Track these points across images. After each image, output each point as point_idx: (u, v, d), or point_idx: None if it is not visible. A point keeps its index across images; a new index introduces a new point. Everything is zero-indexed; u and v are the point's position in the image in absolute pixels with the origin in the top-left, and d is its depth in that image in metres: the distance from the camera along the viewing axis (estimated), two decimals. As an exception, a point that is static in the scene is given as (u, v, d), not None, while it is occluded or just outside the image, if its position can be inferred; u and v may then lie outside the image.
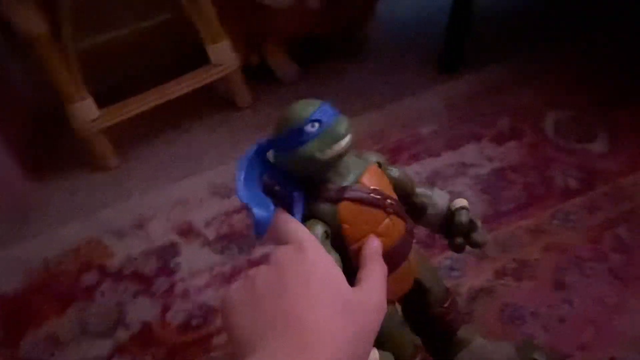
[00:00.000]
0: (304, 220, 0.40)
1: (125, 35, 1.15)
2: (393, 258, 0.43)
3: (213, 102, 1.13)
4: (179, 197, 0.93)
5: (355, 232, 0.42)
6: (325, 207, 0.41)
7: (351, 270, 0.39)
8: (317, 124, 0.39)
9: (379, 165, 0.46)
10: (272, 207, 0.39)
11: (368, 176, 0.43)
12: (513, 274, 0.71)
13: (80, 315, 0.79)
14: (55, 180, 1.05)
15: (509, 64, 1.07)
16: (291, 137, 0.39)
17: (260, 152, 0.42)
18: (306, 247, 0.36)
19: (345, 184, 0.42)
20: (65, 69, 0.94)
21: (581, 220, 0.76)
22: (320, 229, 0.41)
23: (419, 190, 0.50)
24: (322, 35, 1.19)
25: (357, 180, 0.42)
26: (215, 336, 0.72)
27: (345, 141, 0.39)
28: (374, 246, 0.41)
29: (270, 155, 0.43)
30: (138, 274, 0.82)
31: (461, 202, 0.50)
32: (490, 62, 1.08)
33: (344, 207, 0.41)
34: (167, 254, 0.84)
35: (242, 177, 0.40)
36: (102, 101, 1.00)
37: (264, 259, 0.37)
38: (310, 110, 0.39)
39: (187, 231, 0.87)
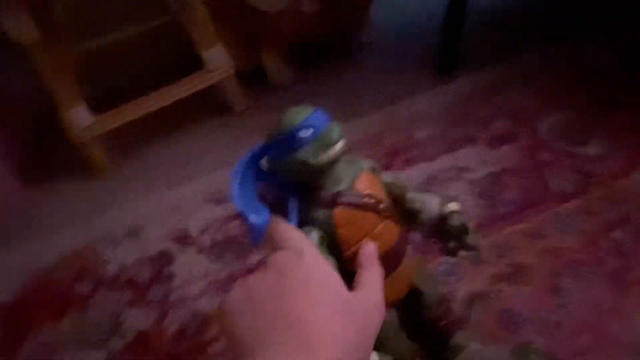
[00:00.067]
0: (299, 226, 0.41)
1: (119, 40, 1.15)
2: (388, 262, 0.43)
3: (208, 106, 1.13)
4: (174, 204, 0.93)
5: (350, 236, 0.42)
6: (320, 213, 0.42)
7: (346, 275, 0.39)
8: (310, 130, 0.39)
9: (372, 170, 0.46)
10: (267, 213, 0.39)
11: (362, 181, 0.43)
12: (509, 279, 0.71)
13: (75, 325, 0.79)
14: (50, 187, 1.05)
15: (505, 65, 1.07)
16: (285, 143, 0.39)
17: (254, 159, 0.42)
18: (303, 252, 0.36)
19: (339, 189, 0.42)
20: (60, 76, 0.94)
21: (577, 224, 0.76)
22: (315, 234, 0.41)
23: (412, 195, 0.50)
24: (318, 38, 1.19)
25: (351, 186, 0.42)
26: (211, 344, 0.72)
27: (338, 147, 0.40)
28: (370, 250, 0.41)
29: (264, 162, 0.43)
30: (133, 282, 0.82)
31: (453, 206, 0.50)
32: (485, 64, 1.08)
33: (339, 212, 0.41)
34: (162, 262, 0.83)
35: (237, 185, 0.40)
36: (97, 106, 1.00)
37: (261, 265, 0.37)
38: (304, 117, 0.40)
39: (182, 238, 0.86)
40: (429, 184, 0.86)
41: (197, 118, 1.12)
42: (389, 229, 0.44)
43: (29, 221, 0.99)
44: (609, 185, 0.80)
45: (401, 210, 0.49)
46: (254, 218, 0.38)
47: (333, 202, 0.41)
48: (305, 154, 0.39)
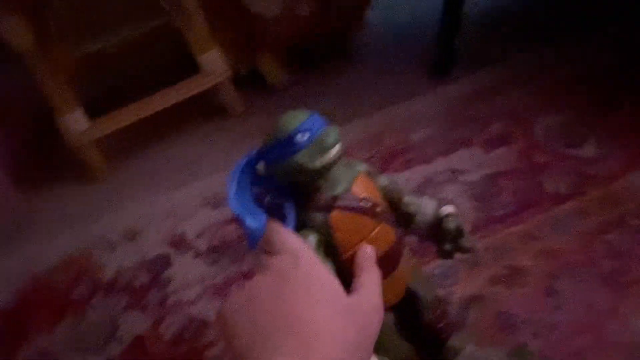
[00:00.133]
0: (296, 229, 0.41)
1: (115, 44, 1.15)
2: (384, 265, 0.44)
3: (204, 110, 1.13)
4: (171, 208, 0.93)
5: (347, 240, 0.42)
6: (317, 217, 0.42)
7: (343, 279, 0.39)
8: (306, 134, 0.39)
9: (368, 173, 0.46)
10: (264, 217, 0.39)
11: (358, 185, 0.43)
12: (505, 281, 0.71)
13: (72, 330, 0.79)
14: (47, 191, 1.05)
15: (501, 67, 1.07)
16: (281, 147, 0.40)
17: (251, 163, 0.42)
18: (301, 256, 0.36)
19: (336, 193, 0.42)
20: (55, 82, 0.94)
21: (572, 226, 0.76)
22: (313, 238, 0.41)
23: (408, 198, 0.50)
24: (315, 41, 1.19)
25: (348, 189, 0.43)
26: (208, 348, 0.72)
27: (335, 150, 0.40)
28: (367, 253, 0.41)
29: (260, 166, 0.43)
30: (130, 286, 0.82)
31: (449, 208, 0.50)
32: (482, 66, 1.08)
33: (336, 216, 0.41)
34: (158, 266, 0.83)
35: (233, 189, 0.40)
36: (93, 110, 1.00)
37: (259, 268, 0.37)
38: (300, 121, 0.40)
39: (179, 242, 0.86)
40: (425, 187, 0.86)
41: (194, 122, 1.12)
42: (386, 232, 0.44)
43: (26, 225, 0.98)
44: (605, 187, 0.81)
45: (397, 214, 0.49)
46: (250, 222, 0.38)
47: (330, 206, 0.41)
48: (301, 158, 0.39)
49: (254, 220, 0.39)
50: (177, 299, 0.79)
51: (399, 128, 0.98)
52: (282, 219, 0.41)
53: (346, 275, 0.40)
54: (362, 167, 0.46)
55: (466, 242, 0.50)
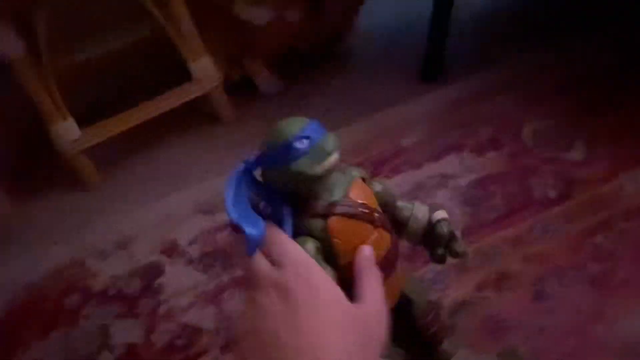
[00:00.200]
0: (294, 236, 0.41)
1: (106, 53, 1.15)
2: (382, 270, 0.44)
3: (196, 118, 1.13)
4: (163, 215, 0.93)
5: (346, 246, 0.42)
6: (315, 223, 0.42)
7: (343, 285, 0.39)
8: (306, 141, 0.39)
9: (363, 179, 0.46)
10: (262, 224, 0.39)
11: (355, 191, 0.43)
12: (494, 286, 0.72)
13: (64, 339, 0.78)
14: (37, 201, 1.05)
15: (489, 72, 1.08)
16: (280, 153, 0.40)
17: (248, 169, 0.42)
18: (304, 269, 0.37)
19: (333, 199, 0.42)
20: (45, 91, 0.94)
21: (560, 230, 0.77)
22: (311, 244, 0.41)
23: (401, 203, 0.51)
24: (304, 48, 1.19)
25: (345, 195, 0.43)
26: (200, 356, 0.72)
27: (334, 157, 0.40)
28: (366, 256, 0.41)
29: (257, 172, 0.43)
30: (122, 295, 0.82)
31: (441, 214, 0.50)
32: (470, 71, 1.09)
33: (334, 222, 0.41)
34: (150, 274, 0.84)
35: (231, 195, 0.40)
36: (84, 119, 1.00)
37: (262, 283, 0.37)
38: (299, 127, 0.40)
39: (171, 250, 0.86)
40: (415, 192, 0.87)
41: (185, 129, 1.12)
42: (382, 238, 0.44)
43: (17, 236, 0.98)
44: (593, 190, 0.82)
45: (389, 219, 0.49)
46: (250, 229, 0.38)
47: (328, 212, 0.42)
48: (301, 165, 0.39)
49: (253, 227, 0.39)
50: (169, 307, 0.79)
51: (389, 133, 0.99)
52: (280, 225, 0.41)
53: (346, 281, 0.40)
54: (357, 172, 0.46)
55: (459, 246, 0.50)
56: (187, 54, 1.02)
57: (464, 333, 0.67)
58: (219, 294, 0.79)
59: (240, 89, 1.15)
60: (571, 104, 0.97)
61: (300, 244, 0.40)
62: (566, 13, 1.21)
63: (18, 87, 0.93)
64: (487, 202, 0.83)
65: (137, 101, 1.03)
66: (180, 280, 0.82)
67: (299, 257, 0.38)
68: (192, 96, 1.04)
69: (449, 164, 0.90)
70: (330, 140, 0.40)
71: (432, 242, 0.50)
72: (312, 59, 1.22)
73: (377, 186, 0.48)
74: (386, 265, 0.45)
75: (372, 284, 0.39)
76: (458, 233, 0.51)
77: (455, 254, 0.51)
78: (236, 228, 0.40)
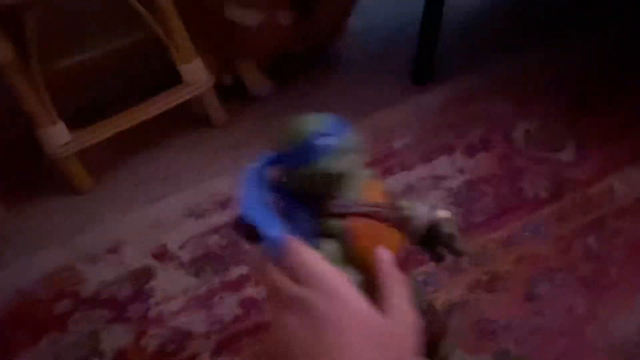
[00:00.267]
0: (310, 237, 0.39)
1: (96, 56, 1.15)
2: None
3: (187, 121, 1.12)
4: (154, 219, 0.92)
5: (365, 246, 0.41)
6: (333, 224, 0.41)
7: (365, 285, 0.38)
8: (326, 139, 0.38)
9: (373, 178, 0.46)
10: (280, 226, 0.37)
11: (369, 190, 0.43)
12: (486, 287, 0.71)
13: (54, 345, 0.78)
14: (28, 206, 1.04)
15: (479, 74, 1.08)
16: (299, 152, 0.38)
17: (264, 168, 0.40)
18: (329, 284, 0.35)
19: (349, 199, 0.41)
20: (34, 94, 0.93)
21: (551, 230, 0.77)
22: (332, 247, 0.40)
23: (402, 202, 0.50)
24: (296, 51, 1.19)
25: (359, 195, 0.42)
26: (191, 361, 0.72)
27: (355, 155, 0.39)
28: (387, 260, 0.39)
29: (273, 170, 0.41)
30: (112, 299, 0.81)
31: (443, 212, 0.49)
32: (461, 73, 1.09)
33: (353, 222, 0.41)
34: (141, 278, 0.83)
35: (247, 195, 0.38)
36: (74, 124, 0.99)
37: (286, 303, 0.35)
38: (319, 124, 0.39)
39: (162, 254, 0.86)
40: (407, 193, 0.87)
41: (177, 133, 1.11)
42: (396, 237, 0.43)
43: (8, 242, 0.97)
44: (584, 191, 0.82)
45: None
46: (270, 231, 0.36)
47: (346, 212, 0.41)
48: (321, 164, 0.38)
49: (271, 228, 0.37)
50: (159, 311, 0.78)
51: (381, 135, 0.99)
52: (295, 225, 0.39)
53: (367, 281, 0.39)
54: (367, 172, 0.45)
55: (460, 245, 0.49)
56: (178, 56, 1.02)
57: (456, 335, 0.67)
58: (210, 297, 0.78)
59: (232, 92, 1.14)
60: (561, 105, 0.98)
61: (320, 247, 0.39)
62: (556, 15, 1.21)
63: (7, 91, 0.93)
64: (478, 203, 0.83)
65: (129, 104, 1.02)
66: (170, 285, 0.81)
67: (323, 271, 0.36)
68: (183, 99, 1.04)
69: (441, 165, 0.90)
70: (351, 139, 0.39)
71: (434, 240, 0.49)
72: (304, 61, 1.22)
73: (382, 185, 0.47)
74: (399, 264, 0.44)
75: (398, 291, 0.37)
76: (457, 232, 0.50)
77: (457, 253, 0.49)
78: (243, 229, 0.38)
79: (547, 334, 0.66)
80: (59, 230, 0.96)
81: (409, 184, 0.89)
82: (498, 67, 1.08)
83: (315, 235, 0.40)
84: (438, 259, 0.50)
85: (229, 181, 0.97)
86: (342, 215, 0.41)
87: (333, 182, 0.40)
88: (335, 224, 0.41)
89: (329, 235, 0.41)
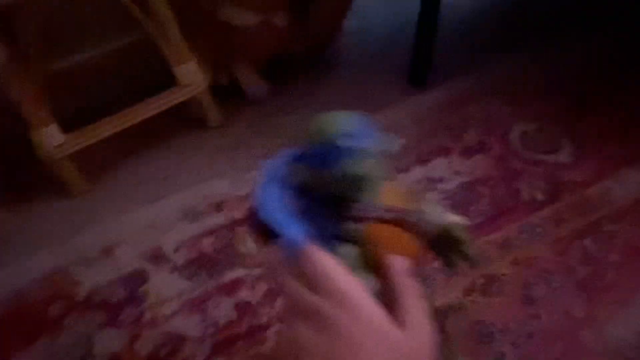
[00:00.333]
0: (329, 239, 0.38)
1: (91, 58, 1.14)
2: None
3: (183, 123, 1.12)
4: (148, 222, 0.92)
5: (383, 250, 0.40)
6: (353, 227, 0.39)
7: (381, 291, 0.37)
8: (356, 140, 0.37)
9: (390, 180, 0.43)
10: (300, 227, 0.36)
11: (389, 194, 0.41)
12: (482, 290, 0.71)
13: (48, 349, 0.77)
14: (21, 208, 1.03)
15: (476, 76, 1.08)
16: (327, 152, 0.37)
17: (287, 163, 0.39)
18: (348, 296, 0.34)
19: (371, 203, 0.40)
20: (28, 97, 0.92)
21: (548, 233, 0.76)
22: (351, 251, 0.39)
23: (420, 206, 0.48)
24: (292, 52, 1.19)
25: (382, 199, 0.40)
26: (185, 365, 0.71)
27: (382, 158, 0.38)
28: (403, 269, 0.38)
29: (294, 167, 0.40)
30: (106, 303, 0.80)
31: (456, 217, 0.48)
32: (458, 74, 1.09)
33: (372, 227, 0.39)
34: (135, 281, 0.82)
35: (266, 191, 0.37)
36: (69, 125, 0.99)
37: (303, 309, 0.34)
38: (349, 125, 0.37)
39: (156, 257, 0.85)
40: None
41: (171, 134, 1.11)
42: (415, 244, 0.42)
43: (6, 243, 0.97)
44: (580, 193, 0.81)
45: None
46: (289, 233, 0.35)
47: (366, 216, 0.39)
48: (351, 166, 0.37)
49: (291, 229, 0.35)
50: (153, 315, 0.77)
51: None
52: (314, 228, 0.38)
53: (385, 288, 0.38)
54: (388, 174, 0.43)
55: (471, 252, 0.48)
56: (173, 58, 1.01)
57: (453, 338, 0.66)
58: (204, 301, 0.77)
59: (228, 94, 1.14)
60: (558, 107, 0.97)
61: (338, 251, 0.38)
62: (554, 16, 1.21)
63: (1, 92, 0.92)
64: (474, 205, 0.82)
65: (122, 106, 1.01)
66: (164, 288, 0.80)
67: (341, 280, 0.35)
68: (178, 101, 1.03)
69: (437, 167, 0.90)
70: (377, 141, 0.38)
71: (446, 245, 0.48)
72: (301, 63, 1.22)
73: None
74: (418, 269, 0.43)
75: (414, 303, 0.36)
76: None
77: (469, 259, 0.48)
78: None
79: (544, 337, 0.65)
80: (53, 233, 0.96)
81: (405, 186, 0.88)
82: (495, 69, 1.08)
83: (333, 238, 0.39)
84: (450, 265, 0.49)
85: (225, 183, 0.96)
86: (362, 219, 0.39)
87: (357, 185, 0.38)
88: (355, 228, 0.39)
89: (347, 239, 0.39)
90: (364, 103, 1.09)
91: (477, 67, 1.09)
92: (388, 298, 0.37)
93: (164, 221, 0.91)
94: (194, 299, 0.78)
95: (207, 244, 0.85)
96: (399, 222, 0.40)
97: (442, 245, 0.48)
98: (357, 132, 0.37)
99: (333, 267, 0.35)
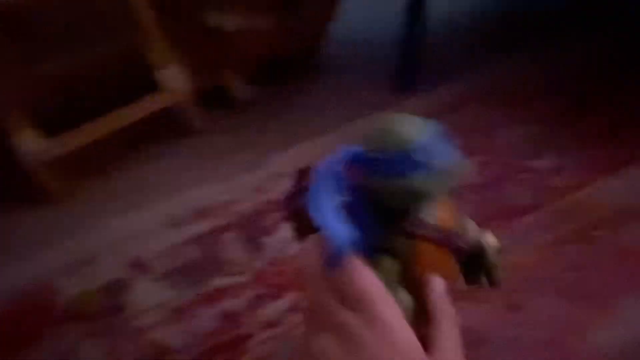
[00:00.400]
0: (371, 248, 0.36)
1: (73, 62, 1.12)
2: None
3: (166, 129, 1.10)
4: (130, 230, 0.90)
5: (425, 270, 0.38)
6: (400, 241, 0.37)
7: (417, 308, 0.36)
8: (425, 152, 0.34)
9: (447, 196, 0.41)
10: (349, 234, 0.34)
11: (443, 212, 0.39)
12: (467, 297, 0.70)
13: (25, 361, 0.75)
14: (1, 216, 1.01)
15: (462, 81, 1.08)
16: (397, 161, 0.34)
17: (345, 162, 0.36)
18: (380, 318, 0.32)
19: (425, 219, 0.37)
20: (8, 101, 0.91)
21: (533, 239, 0.76)
22: (393, 264, 0.37)
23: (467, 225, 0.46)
24: (278, 56, 1.18)
25: (436, 216, 0.38)
26: (166, 376, 0.69)
27: (449, 176, 0.35)
28: (442, 293, 0.37)
29: (352, 167, 0.37)
30: (86, 313, 0.79)
31: (494, 240, 0.45)
32: (443, 81, 1.09)
33: (420, 245, 0.37)
34: (116, 291, 0.81)
35: (319, 189, 0.35)
36: (49, 130, 0.97)
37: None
38: (426, 135, 0.35)
39: (137, 265, 0.84)
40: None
41: (154, 141, 1.09)
42: (455, 265, 0.40)
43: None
44: (565, 199, 0.81)
45: None
46: (337, 237, 0.33)
47: (416, 233, 0.37)
48: (419, 181, 0.34)
49: (341, 234, 0.33)
50: (135, 325, 0.76)
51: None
52: (358, 234, 0.35)
53: (419, 308, 0.37)
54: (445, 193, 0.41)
55: (498, 276, 0.45)
56: (155, 62, 1.00)
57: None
58: (187, 310, 0.76)
59: (214, 99, 1.13)
60: (542, 113, 0.98)
61: (379, 262, 0.36)
62: (537, 24, 1.21)
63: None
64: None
65: (104, 112, 1.00)
66: (146, 297, 0.79)
67: (375, 297, 0.33)
68: (161, 106, 1.02)
69: (422, 173, 0.89)
70: (450, 157, 0.35)
71: (473, 265, 0.44)
72: (287, 68, 1.21)
73: None
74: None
75: (448, 329, 0.35)
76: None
77: (494, 282, 0.45)
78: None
79: (529, 344, 0.65)
80: (31, 242, 0.94)
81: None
82: (479, 76, 1.08)
83: (376, 248, 0.37)
84: (473, 283, 0.47)
85: (209, 190, 0.95)
86: (413, 236, 0.37)
87: (418, 200, 0.36)
88: (402, 242, 0.37)
89: (390, 251, 0.37)
90: (350, 108, 1.08)
91: (461, 74, 1.09)
92: (421, 318, 0.36)
93: (146, 229, 0.90)
94: (176, 308, 0.77)
95: (190, 252, 0.84)
96: (447, 242, 0.38)
97: (472, 264, 0.45)
98: (433, 146, 0.35)
99: (372, 283, 0.34)
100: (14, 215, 1.00)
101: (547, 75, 1.05)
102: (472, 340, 0.66)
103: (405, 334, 0.33)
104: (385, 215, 0.37)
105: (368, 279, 0.34)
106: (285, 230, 0.83)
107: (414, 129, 0.35)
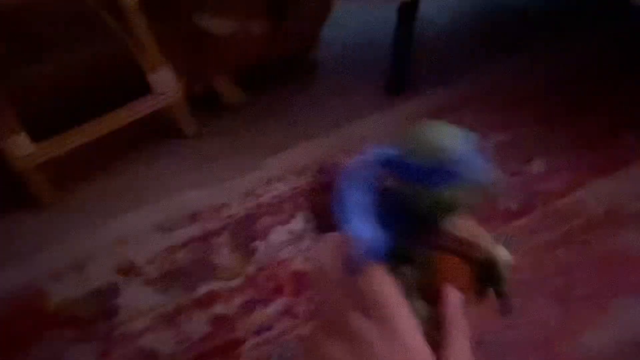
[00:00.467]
0: (393, 255, 0.35)
1: (63, 66, 1.11)
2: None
3: (158, 132, 1.10)
4: (120, 234, 0.89)
5: (444, 281, 0.37)
6: (421, 251, 0.37)
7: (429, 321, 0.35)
8: (468, 168, 0.34)
9: (469, 209, 0.39)
10: (378, 238, 0.33)
11: (465, 224, 0.38)
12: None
13: (14, 366, 0.74)
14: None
15: (451, 87, 1.09)
16: (433, 171, 0.33)
17: (378, 165, 0.35)
18: (394, 328, 0.32)
19: (449, 231, 0.37)
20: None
21: (523, 243, 0.77)
22: (413, 273, 0.36)
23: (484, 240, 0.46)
24: (269, 61, 1.18)
25: (458, 229, 0.37)
26: (157, 382, 0.69)
27: (481, 191, 0.35)
28: (457, 305, 0.36)
29: (382, 170, 0.36)
30: (76, 318, 0.78)
31: (506, 254, 0.43)
32: (433, 86, 1.09)
33: (442, 256, 0.37)
34: (106, 296, 0.80)
35: (350, 191, 0.34)
36: (39, 134, 0.96)
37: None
38: (465, 148, 0.34)
39: (128, 270, 0.83)
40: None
41: (146, 144, 1.09)
42: (472, 277, 0.39)
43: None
44: (553, 203, 0.82)
45: None
46: (365, 239, 0.32)
47: (439, 244, 0.36)
48: (451, 193, 0.33)
49: (366, 238, 0.32)
50: (126, 330, 0.76)
51: (352, 148, 0.98)
52: (382, 241, 0.34)
53: (434, 319, 0.36)
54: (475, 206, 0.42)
55: (505, 290, 0.44)
56: (146, 65, 1.00)
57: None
58: (177, 315, 0.76)
59: (205, 102, 1.12)
60: (530, 117, 0.98)
61: (402, 270, 0.35)
62: (525, 30, 1.23)
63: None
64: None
65: (95, 115, 0.99)
66: (137, 302, 0.79)
67: (392, 308, 0.32)
68: (151, 109, 1.01)
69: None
70: (485, 173, 0.34)
71: (483, 277, 0.45)
72: (278, 72, 1.21)
73: None
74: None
75: (461, 342, 0.35)
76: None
77: (502, 295, 0.46)
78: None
79: (519, 348, 0.66)
80: (20, 247, 0.93)
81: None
82: (469, 81, 1.09)
83: (398, 255, 0.36)
84: (481, 294, 0.47)
85: (200, 193, 0.95)
86: (437, 246, 0.37)
87: (447, 212, 0.35)
88: (425, 252, 0.37)
89: (411, 260, 0.37)
90: (340, 112, 1.09)
91: (451, 79, 1.10)
92: (436, 329, 0.35)
93: (136, 233, 0.89)
94: (166, 313, 0.76)
95: (181, 257, 0.83)
96: (468, 255, 0.38)
97: (482, 276, 0.47)
98: (470, 159, 0.34)
99: (391, 293, 0.33)
100: (4, 219, 0.99)
101: (533, 82, 1.06)
102: (463, 344, 0.66)
103: (419, 345, 0.32)
104: (411, 223, 0.37)
105: (387, 287, 0.33)
106: (278, 235, 0.84)
107: (453, 139, 0.35)
